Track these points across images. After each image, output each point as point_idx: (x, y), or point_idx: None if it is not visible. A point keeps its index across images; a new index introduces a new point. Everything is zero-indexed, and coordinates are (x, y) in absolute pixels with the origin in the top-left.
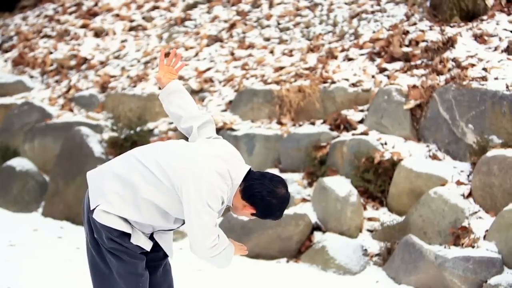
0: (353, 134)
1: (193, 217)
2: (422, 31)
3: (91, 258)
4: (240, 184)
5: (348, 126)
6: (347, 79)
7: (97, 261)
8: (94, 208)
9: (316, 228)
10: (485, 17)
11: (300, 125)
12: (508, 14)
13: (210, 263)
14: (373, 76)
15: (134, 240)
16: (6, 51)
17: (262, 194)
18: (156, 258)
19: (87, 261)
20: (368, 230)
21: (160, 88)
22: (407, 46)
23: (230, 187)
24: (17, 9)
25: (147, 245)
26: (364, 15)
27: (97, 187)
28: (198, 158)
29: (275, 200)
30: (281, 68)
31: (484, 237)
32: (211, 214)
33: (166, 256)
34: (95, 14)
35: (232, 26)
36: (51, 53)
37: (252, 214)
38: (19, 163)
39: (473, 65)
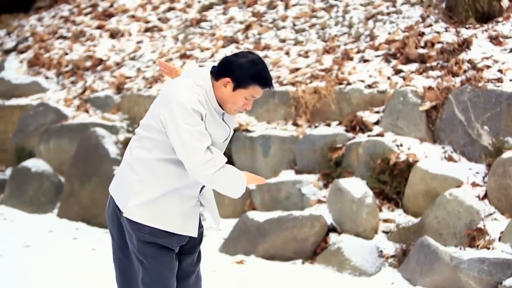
0: (368, 136)
1: (176, 140)
2: (438, 32)
3: (119, 263)
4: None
5: (363, 127)
6: (362, 81)
7: (126, 266)
8: (123, 213)
9: (332, 229)
10: (500, 19)
11: (315, 127)
12: None
13: (218, 189)
14: (388, 78)
15: (176, 229)
16: (22, 52)
17: (227, 59)
18: (189, 264)
19: (114, 268)
20: (384, 232)
21: None
22: (423, 47)
23: (203, 93)
24: (33, 10)
25: (193, 229)
26: (379, 17)
27: (119, 189)
28: (166, 90)
29: (243, 59)
30: (297, 69)
31: (499, 239)
32: (190, 132)
33: (198, 261)
34: (110, 15)
35: (248, 27)
36: (66, 54)
37: (232, 83)
38: (35, 164)
39: (488, 66)
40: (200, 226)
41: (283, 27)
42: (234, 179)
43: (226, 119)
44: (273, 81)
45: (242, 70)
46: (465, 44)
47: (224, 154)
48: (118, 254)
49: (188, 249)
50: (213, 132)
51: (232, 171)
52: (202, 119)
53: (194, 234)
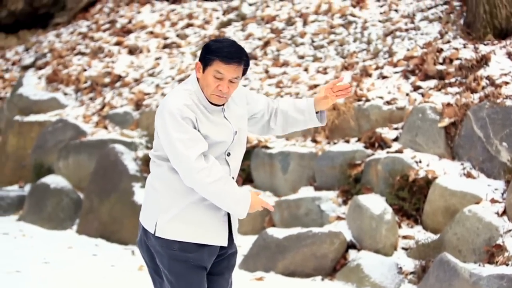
0: (387, 152)
1: (168, 149)
2: (456, 49)
3: (160, 286)
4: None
5: (382, 144)
6: (381, 97)
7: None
8: (153, 233)
9: (351, 246)
10: None
11: (334, 143)
12: None
13: (216, 203)
14: (407, 94)
15: (206, 239)
16: (40, 68)
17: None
18: (223, 284)
19: None
20: (403, 248)
21: None
22: (441, 64)
23: (191, 96)
24: (51, 26)
25: (222, 239)
26: (398, 33)
27: (145, 214)
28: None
29: (212, 41)
30: (316, 86)
31: None
32: (181, 141)
33: (230, 274)
34: (129, 32)
35: (266, 43)
36: (85, 70)
37: (201, 66)
38: (54, 181)
39: (507, 83)
40: (233, 247)
41: (302, 44)
42: (234, 197)
43: (228, 116)
44: (245, 57)
45: (206, 49)
46: (484, 61)
47: (243, 170)
48: (155, 278)
49: (220, 270)
50: (210, 133)
51: (232, 188)
52: (193, 124)
53: (224, 243)
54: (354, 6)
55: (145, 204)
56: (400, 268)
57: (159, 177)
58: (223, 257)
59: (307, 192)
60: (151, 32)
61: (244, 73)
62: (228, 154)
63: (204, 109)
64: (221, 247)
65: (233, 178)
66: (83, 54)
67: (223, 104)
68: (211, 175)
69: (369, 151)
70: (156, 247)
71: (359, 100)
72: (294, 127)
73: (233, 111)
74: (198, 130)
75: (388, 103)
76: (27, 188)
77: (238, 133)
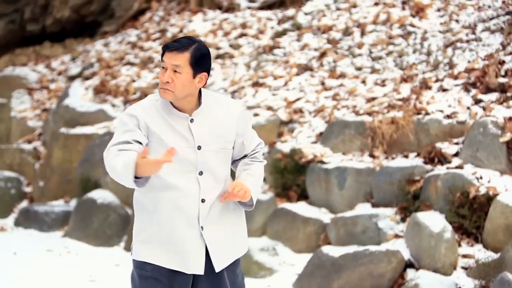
0: (447, 168)
1: None
2: None
3: None
4: None
5: (442, 159)
6: (441, 111)
7: None
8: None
9: (409, 265)
10: None
11: (393, 158)
12: None
13: (112, 174)
14: (468, 108)
15: (173, 264)
16: (87, 78)
17: None
18: None
19: None
20: (463, 268)
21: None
22: (503, 76)
23: (152, 102)
24: (98, 35)
25: (194, 265)
26: (458, 44)
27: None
28: None
29: None
30: (373, 98)
31: None
32: (118, 131)
33: None
34: None
35: (323, 54)
36: (134, 81)
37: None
38: (101, 196)
39: None
40: (235, 274)
41: (359, 55)
42: (122, 163)
43: (193, 128)
44: (187, 43)
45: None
46: None
47: (298, 186)
48: None
49: None
50: (165, 136)
51: (123, 156)
52: (139, 123)
53: (196, 270)
54: (413, 16)
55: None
56: None
57: (134, 196)
58: None
59: (364, 209)
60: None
61: (192, 62)
62: (200, 173)
63: (166, 115)
64: (199, 277)
65: (203, 200)
66: (132, 64)
67: (192, 114)
68: (109, 149)
69: (429, 166)
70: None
71: (418, 114)
72: None
73: (206, 126)
74: (150, 130)
75: (448, 117)
76: (73, 203)
77: (205, 149)
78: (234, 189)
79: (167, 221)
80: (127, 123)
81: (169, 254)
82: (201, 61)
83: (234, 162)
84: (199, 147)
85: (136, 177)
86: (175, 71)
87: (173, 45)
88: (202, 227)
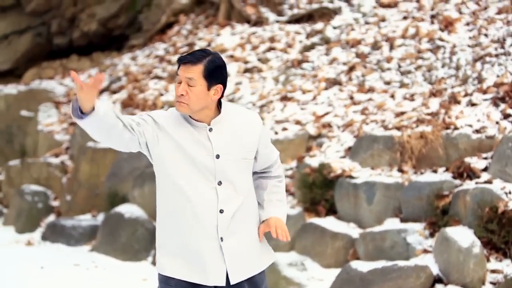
0: (476, 183)
1: None
2: None
3: None
4: None
5: (471, 174)
6: (470, 125)
7: None
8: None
9: (438, 280)
10: None
11: (421, 173)
12: None
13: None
14: (497, 122)
15: (192, 277)
16: (114, 92)
17: None
18: None
19: None
20: (491, 283)
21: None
22: None
23: (175, 113)
24: (126, 48)
25: (214, 277)
26: (488, 58)
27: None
28: None
29: None
30: (402, 113)
31: None
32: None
33: None
34: None
35: (351, 68)
36: (161, 95)
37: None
38: (128, 210)
39: None
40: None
41: (388, 69)
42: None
43: (212, 137)
44: (200, 55)
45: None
46: None
47: (327, 200)
48: None
49: None
50: (186, 144)
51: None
52: (154, 122)
53: (205, 281)
54: (442, 30)
55: None
56: None
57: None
58: None
59: (392, 224)
60: (231, 56)
61: (206, 75)
62: (219, 183)
63: (188, 124)
64: None
65: (221, 211)
66: (159, 78)
67: (210, 124)
68: None
69: (457, 181)
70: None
71: (447, 128)
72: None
73: (225, 135)
74: (169, 136)
75: (477, 131)
76: (100, 217)
77: (224, 158)
78: (278, 234)
79: (186, 231)
80: (142, 115)
81: (189, 266)
82: (215, 73)
83: (258, 173)
84: (217, 156)
85: (83, 113)
86: (189, 84)
87: (187, 58)
88: (221, 238)
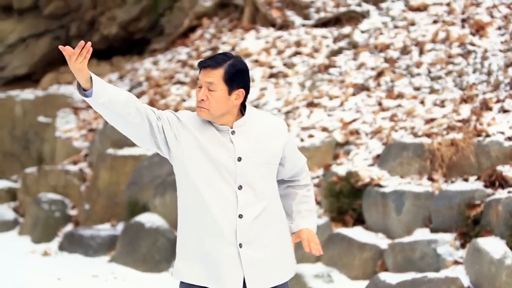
0: (508, 192)
1: None
2: None
3: None
4: None
5: (503, 183)
6: (502, 132)
7: None
8: None
9: None
10: None
11: (452, 182)
12: None
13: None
14: None
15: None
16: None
17: None
18: None
19: None
20: None
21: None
22: None
23: (194, 115)
24: (147, 53)
25: (230, 283)
26: None
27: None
28: None
29: None
30: (432, 119)
31: None
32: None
33: None
34: None
35: (380, 74)
36: (184, 100)
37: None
38: (149, 219)
39: None
40: None
41: (418, 74)
42: None
43: (235, 139)
44: (221, 59)
45: None
46: None
47: (354, 210)
48: None
49: None
50: (209, 145)
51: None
52: (178, 120)
53: (222, 287)
54: (473, 35)
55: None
56: None
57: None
58: None
59: (422, 234)
60: (256, 61)
61: (227, 79)
62: (240, 187)
63: (212, 126)
64: None
65: (240, 216)
66: (182, 83)
67: (232, 126)
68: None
69: (489, 190)
70: None
71: (478, 136)
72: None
73: (248, 138)
74: (193, 136)
75: (509, 138)
76: (120, 227)
77: (246, 161)
78: (311, 248)
79: (202, 235)
80: (166, 112)
81: (207, 271)
82: (236, 77)
83: (286, 182)
84: (239, 158)
85: (86, 91)
86: (210, 89)
87: (207, 62)
88: (240, 244)
